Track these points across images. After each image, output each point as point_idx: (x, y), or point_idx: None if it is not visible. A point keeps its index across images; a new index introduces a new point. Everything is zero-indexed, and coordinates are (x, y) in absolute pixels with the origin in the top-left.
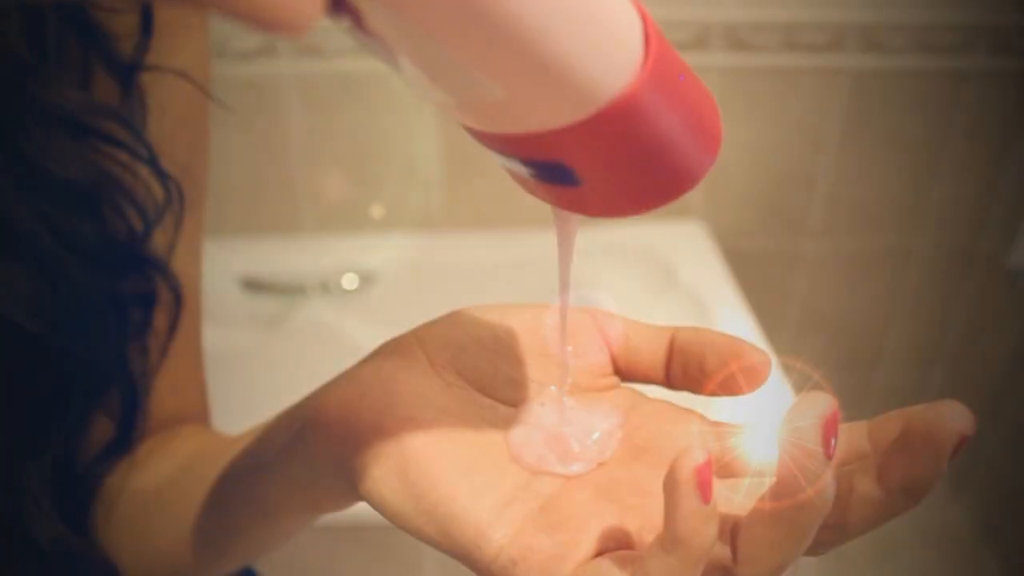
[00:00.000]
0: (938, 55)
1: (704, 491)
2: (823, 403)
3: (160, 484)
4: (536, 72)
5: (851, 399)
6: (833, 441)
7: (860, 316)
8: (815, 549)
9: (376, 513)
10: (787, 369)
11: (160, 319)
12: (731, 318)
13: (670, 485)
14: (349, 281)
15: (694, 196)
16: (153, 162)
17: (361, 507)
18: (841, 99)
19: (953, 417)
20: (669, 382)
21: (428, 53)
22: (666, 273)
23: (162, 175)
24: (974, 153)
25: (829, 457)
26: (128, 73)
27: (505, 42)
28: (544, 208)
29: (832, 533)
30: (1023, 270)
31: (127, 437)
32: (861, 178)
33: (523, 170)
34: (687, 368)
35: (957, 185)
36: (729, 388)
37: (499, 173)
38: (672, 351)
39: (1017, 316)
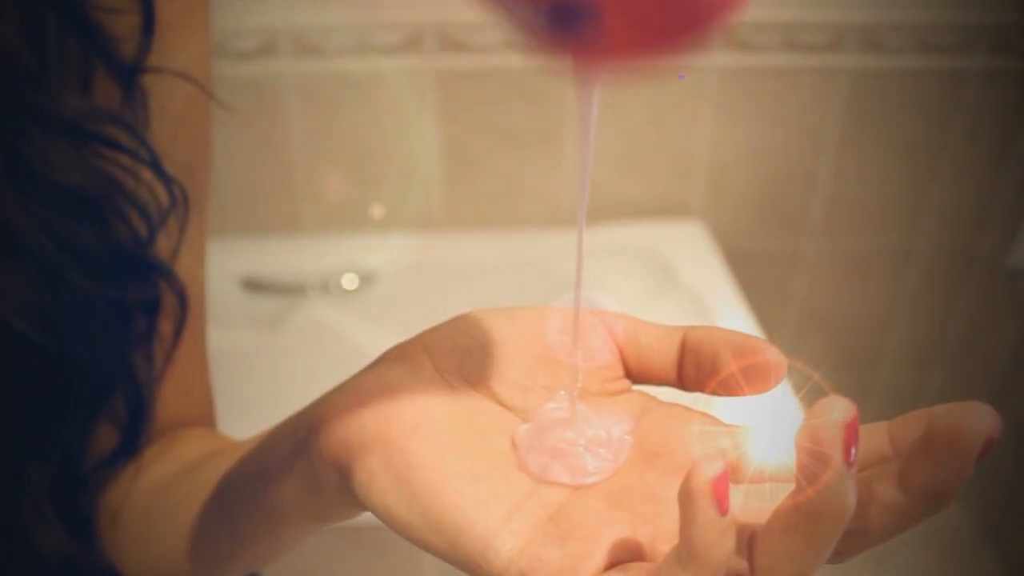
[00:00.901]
0: (938, 55)
1: (721, 503)
2: (842, 408)
3: (165, 489)
4: None
5: (851, 399)
6: (853, 449)
7: (860, 316)
8: (835, 557)
9: None
10: (787, 369)
11: (165, 324)
12: (731, 318)
13: (685, 497)
14: (349, 281)
15: (694, 196)
16: (156, 165)
17: None
18: (841, 99)
19: (979, 419)
20: (681, 383)
21: None
22: (666, 273)
23: (165, 178)
24: (974, 153)
25: (849, 465)
26: (129, 75)
27: None
28: (544, 208)
29: (853, 540)
30: (1023, 270)
31: (132, 443)
32: (861, 178)
33: (537, 20)
34: (700, 368)
35: (957, 185)
36: (743, 388)
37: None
38: (684, 351)
39: (1017, 316)
